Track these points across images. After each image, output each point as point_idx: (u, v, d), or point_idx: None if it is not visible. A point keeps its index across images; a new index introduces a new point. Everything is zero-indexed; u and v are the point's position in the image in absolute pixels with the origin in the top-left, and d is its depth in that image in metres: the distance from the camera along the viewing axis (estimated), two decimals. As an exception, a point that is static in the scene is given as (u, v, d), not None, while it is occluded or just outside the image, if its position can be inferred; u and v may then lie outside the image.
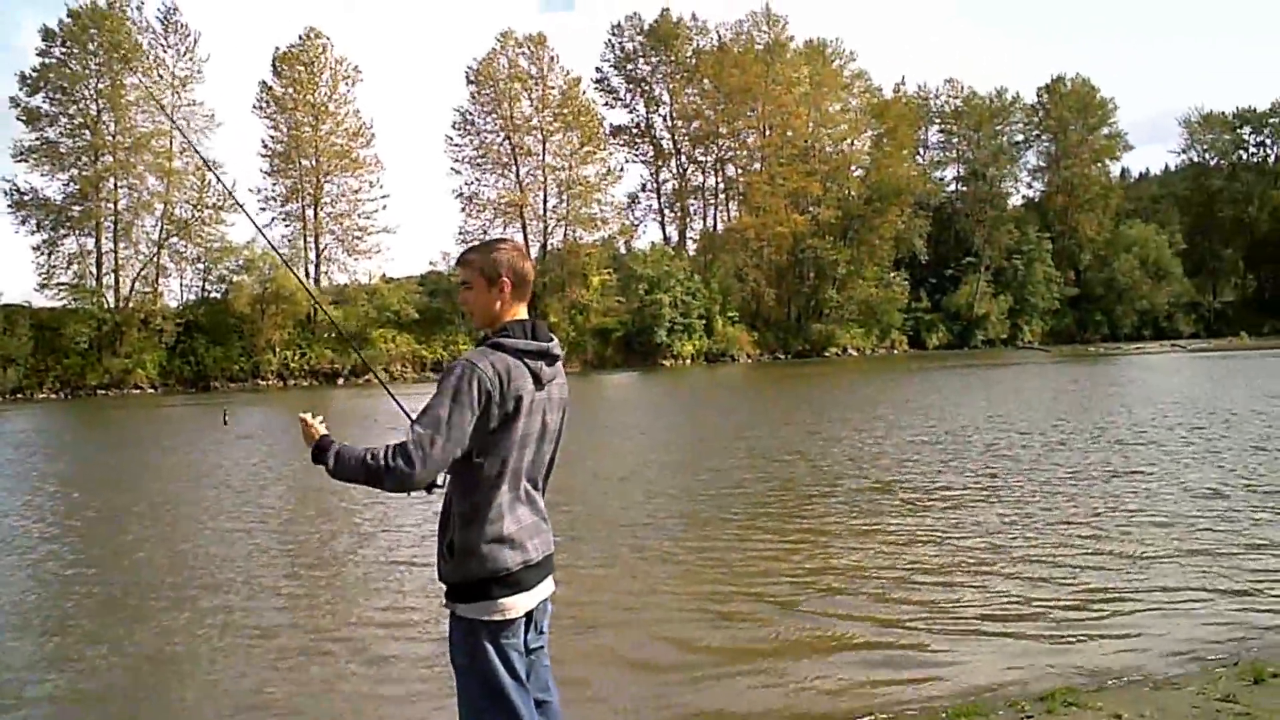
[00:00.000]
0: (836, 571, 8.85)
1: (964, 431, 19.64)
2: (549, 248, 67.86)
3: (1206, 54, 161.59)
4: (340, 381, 55.45)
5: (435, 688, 6.18)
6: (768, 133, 75.99)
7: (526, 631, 3.42)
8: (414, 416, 3.22)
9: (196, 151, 54.52)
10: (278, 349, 54.93)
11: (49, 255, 54.64)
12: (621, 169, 73.71)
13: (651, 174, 79.02)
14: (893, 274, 76.64)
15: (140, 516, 13.49)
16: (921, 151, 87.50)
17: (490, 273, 3.43)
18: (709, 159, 78.16)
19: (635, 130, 78.70)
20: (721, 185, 79.01)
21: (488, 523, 3.30)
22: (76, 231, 55.43)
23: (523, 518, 3.38)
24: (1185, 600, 7.61)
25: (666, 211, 79.15)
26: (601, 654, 6.85)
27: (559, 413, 3.51)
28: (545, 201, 68.22)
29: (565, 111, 67.31)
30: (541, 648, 3.57)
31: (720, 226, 77.61)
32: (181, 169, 56.70)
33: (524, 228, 67.61)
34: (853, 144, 79.59)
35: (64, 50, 54.28)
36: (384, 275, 62.50)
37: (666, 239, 76.05)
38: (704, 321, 66.79)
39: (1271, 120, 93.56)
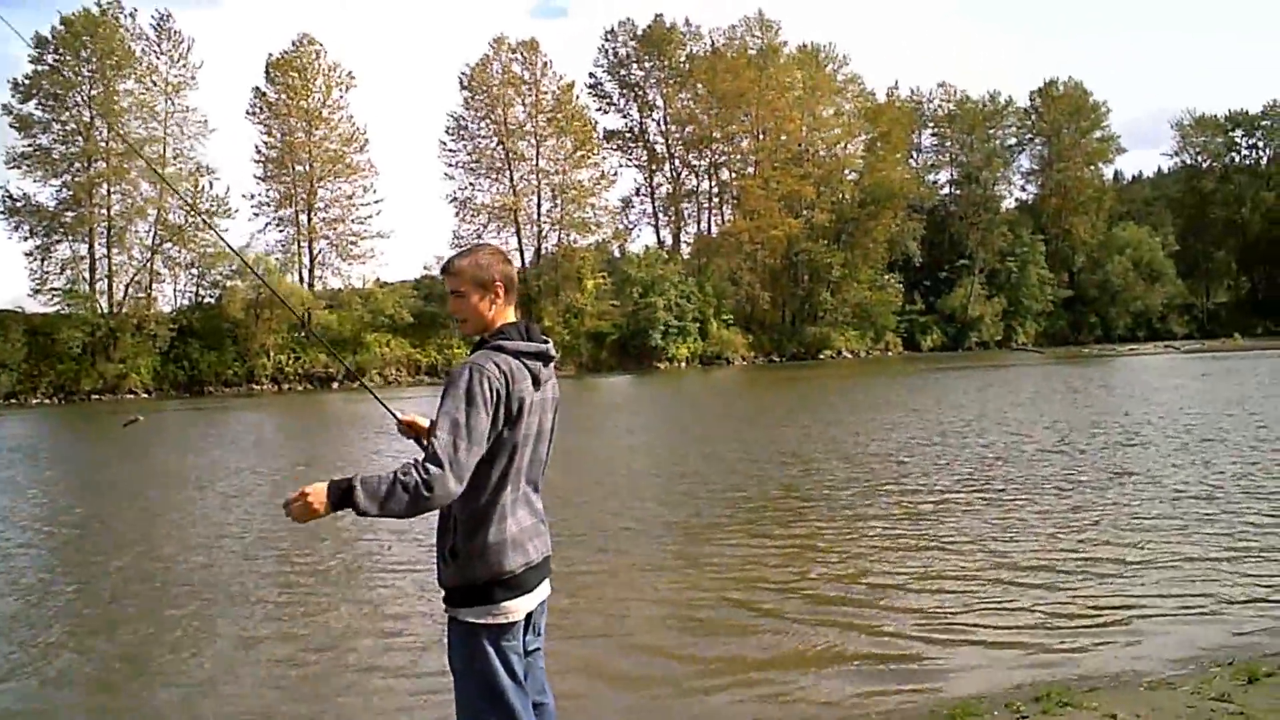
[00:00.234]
0: (829, 577, 8.81)
1: (957, 434, 19.66)
2: (543, 252, 67.95)
3: (1200, 55, 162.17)
4: (335, 386, 55.40)
5: (431, 691, 6.17)
6: (761, 137, 76.15)
7: (525, 633, 3.44)
8: (434, 428, 3.19)
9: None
10: (272, 353, 54.89)
11: (42, 261, 54.60)
12: (615, 173, 73.88)
13: (645, 178, 79.23)
14: (887, 277, 76.79)
15: (129, 522, 13.46)
16: (915, 155, 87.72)
17: (483, 279, 3.45)
18: (703, 163, 78.31)
19: (629, 135, 78.83)
20: (715, 189, 79.18)
21: (491, 525, 3.31)
22: (70, 237, 55.32)
23: (523, 519, 3.40)
24: (1180, 601, 7.61)
25: (661, 215, 79.30)
26: (593, 660, 6.80)
27: (553, 413, 3.54)
28: (539, 206, 68.33)
29: (559, 116, 67.36)
30: (538, 649, 3.58)
31: (714, 230, 77.74)
32: (174, 175, 56.60)
33: (518, 232, 67.68)
34: (846, 148, 79.75)
35: (56, 57, 54.26)
36: (378, 280, 62.59)
37: (661, 243, 76.15)
38: (698, 324, 66.85)
39: (1263, 123, 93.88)
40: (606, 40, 78.60)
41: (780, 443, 19.39)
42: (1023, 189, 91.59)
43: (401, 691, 6.43)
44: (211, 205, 57.30)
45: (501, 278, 3.48)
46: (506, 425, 3.29)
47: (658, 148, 78.79)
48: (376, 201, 62.99)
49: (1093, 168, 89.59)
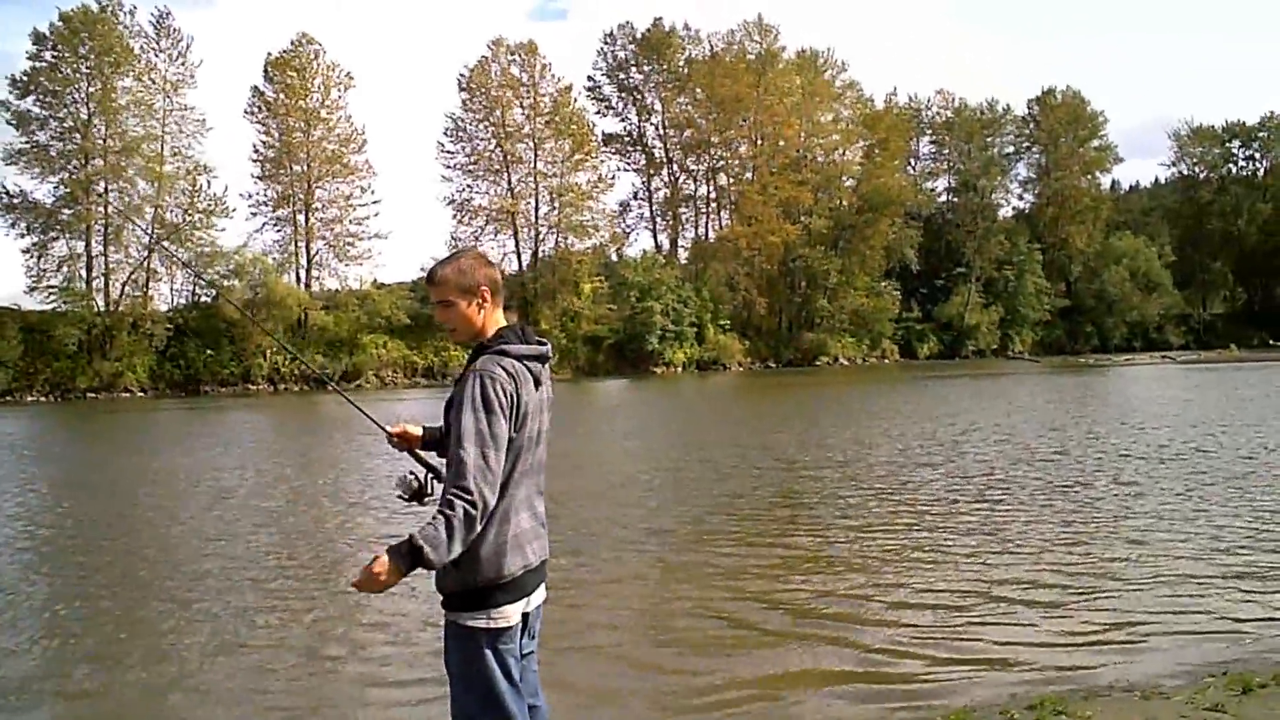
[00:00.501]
0: (821, 588, 8.75)
1: (952, 443, 19.67)
2: (540, 255, 67.89)
3: (1197, 65, 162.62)
4: (331, 382, 55.19)
5: (424, 695, 6.17)
6: (759, 142, 76.22)
7: (521, 636, 3.43)
8: (458, 443, 3.18)
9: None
10: (268, 353, 54.77)
11: (39, 258, 54.38)
12: (613, 177, 73.86)
13: (643, 182, 79.26)
14: (884, 284, 76.85)
15: (129, 521, 13.44)
16: (913, 162, 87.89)
17: (467, 285, 3.44)
18: (701, 168, 78.32)
19: (627, 139, 78.91)
20: (713, 194, 79.20)
21: (492, 529, 3.30)
22: (66, 235, 55.16)
23: (524, 522, 3.40)
24: (1174, 611, 7.62)
25: (658, 220, 79.38)
26: (580, 671, 6.73)
27: (549, 414, 3.54)
28: (537, 209, 68.30)
29: (557, 119, 67.37)
30: (533, 653, 3.59)
31: (712, 235, 77.77)
32: (172, 173, 56.59)
33: (515, 235, 67.68)
34: (844, 154, 79.83)
35: (54, 54, 54.06)
36: (375, 281, 62.46)
37: (658, 247, 76.20)
38: (695, 329, 66.85)
39: (1260, 134, 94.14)
40: (605, 43, 78.78)
41: (775, 449, 19.39)
42: (1020, 197, 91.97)
43: (395, 695, 6.41)
44: (209, 204, 57.28)
45: (487, 282, 3.47)
46: (514, 429, 3.29)
47: (656, 152, 78.89)
48: (374, 202, 62.92)
49: (1090, 177, 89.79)
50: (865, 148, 79.94)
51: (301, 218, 61.38)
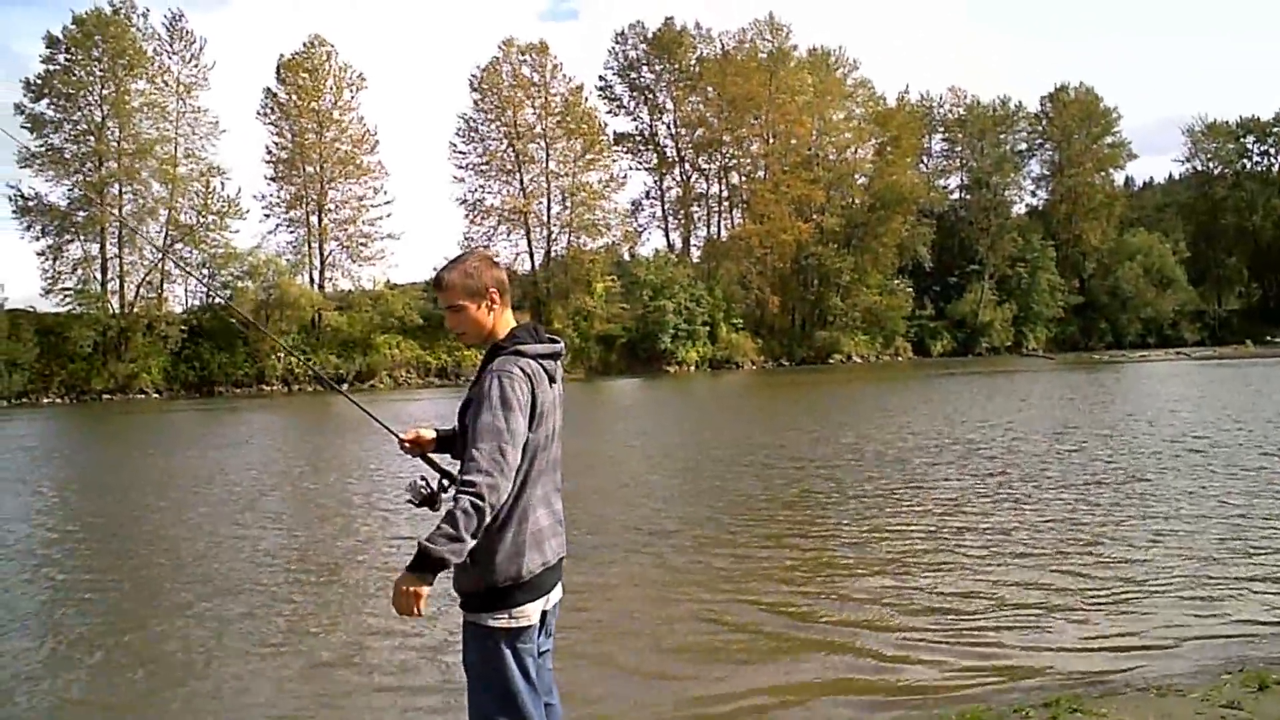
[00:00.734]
0: (834, 588, 8.74)
1: (966, 440, 19.62)
2: (553, 254, 67.91)
3: (1211, 61, 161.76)
4: (344, 387, 55.41)
5: (439, 696, 6.18)
6: (771, 140, 76.06)
7: (538, 635, 3.44)
8: (473, 440, 3.19)
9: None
10: (282, 355, 54.95)
11: (54, 260, 54.62)
12: (625, 176, 73.80)
13: (655, 181, 79.17)
14: (897, 281, 76.66)
15: (142, 522, 13.50)
16: (925, 159, 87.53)
17: (475, 288, 3.45)
18: (713, 166, 78.26)
19: (639, 138, 78.82)
20: (725, 193, 79.07)
21: (511, 528, 3.31)
22: (81, 237, 55.42)
23: (542, 519, 3.41)
24: (1189, 607, 7.60)
25: (670, 219, 79.27)
26: (583, 677, 6.62)
27: (562, 410, 3.55)
28: (549, 208, 68.31)
29: (568, 119, 67.39)
30: (549, 650, 3.59)
31: (724, 234, 77.65)
32: (185, 175, 56.79)
33: (528, 234, 67.74)
34: (856, 152, 79.64)
35: (68, 57, 54.29)
36: (388, 281, 62.56)
37: (670, 246, 76.15)
38: (708, 328, 66.79)
39: (1275, 129, 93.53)
40: (617, 43, 78.74)
41: (787, 448, 19.38)
42: (1033, 194, 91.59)
43: (405, 697, 6.42)
44: (222, 206, 57.47)
45: (494, 283, 3.48)
46: (531, 428, 3.30)
47: (667, 151, 78.85)
48: (387, 203, 63.08)
49: (1103, 174, 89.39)
50: (877, 145, 79.71)
51: (315, 219, 61.55)
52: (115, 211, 54.29)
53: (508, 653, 3.31)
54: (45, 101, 54.32)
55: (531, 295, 64.54)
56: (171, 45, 57.81)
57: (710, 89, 75.11)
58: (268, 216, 61.55)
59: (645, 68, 78.37)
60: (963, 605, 7.92)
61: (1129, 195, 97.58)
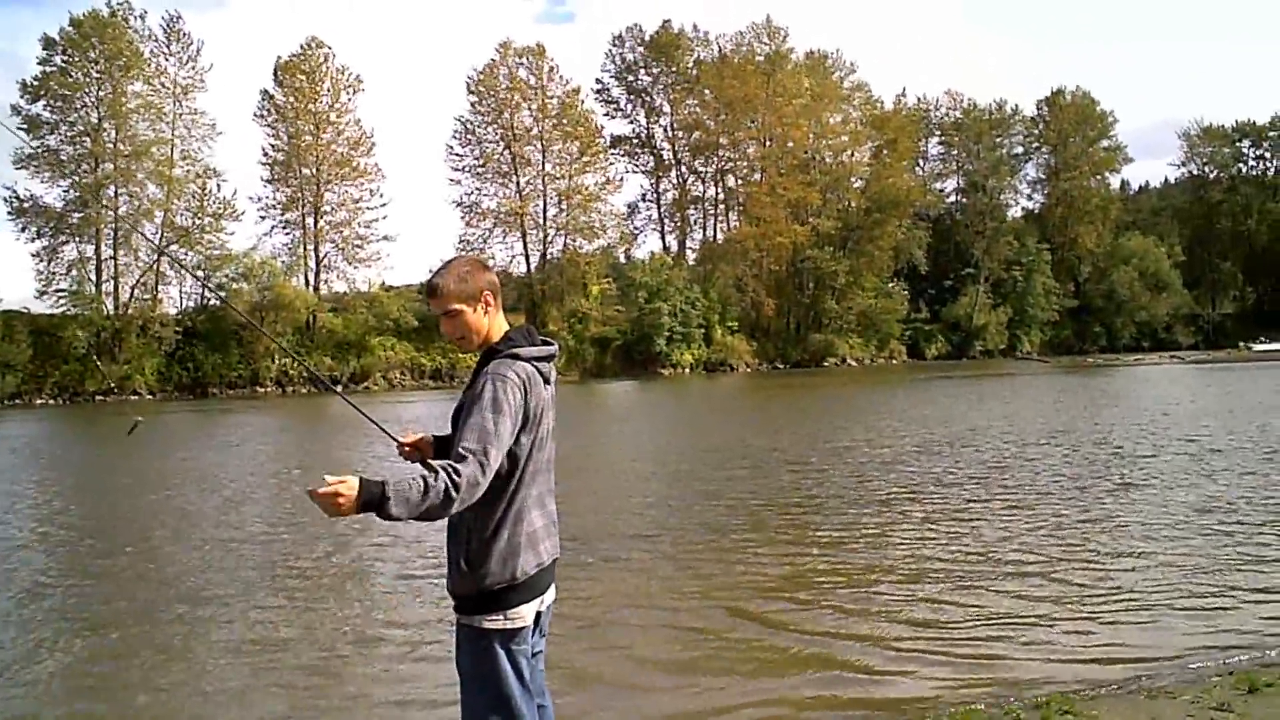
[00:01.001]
0: (826, 591, 8.73)
1: (959, 443, 19.64)
2: (548, 256, 67.90)
3: (1207, 65, 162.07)
4: (339, 389, 55.36)
5: (435, 695, 6.17)
6: (768, 143, 76.19)
7: (532, 636, 3.44)
8: (461, 436, 3.15)
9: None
10: (276, 356, 54.89)
11: (49, 262, 54.63)
12: (621, 179, 73.99)
13: (652, 184, 79.35)
14: (892, 284, 76.78)
15: (136, 524, 13.46)
16: (921, 163, 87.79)
17: (469, 292, 3.42)
18: (709, 169, 78.37)
19: (636, 140, 78.96)
20: (721, 195, 79.25)
21: (506, 529, 3.30)
22: (76, 238, 55.39)
23: (536, 520, 3.39)
24: (1181, 610, 7.61)
25: (666, 221, 79.43)
26: (574, 676, 6.58)
27: (554, 412, 3.54)
28: (545, 211, 68.31)
29: (565, 121, 67.41)
30: (541, 652, 3.58)
31: (720, 236, 77.76)
32: (181, 177, 56.75)
33: (524, 237, 67.74)
34: (853, 155, 79.89)
35: (65, 58, 54.28)
36: (383, 283, 62.58)
37: (666, 249, 76.25)
38: (703, 331, 66.86)
39: (1271, 134, 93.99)
40: (614, 46, 78.93)
41: (784, 449, 19.39)
42: (1029, 198, 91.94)
43: (402, 696, 6.41)
44: (218, 208, 57.44)
45: (487, 286, 3.46)
46: (523, 431, 3.29)
47: (664, 154, 79.02)
48: (383, 205, 63.14)
49: (1099, 177, 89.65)
50: (874, 148, 79.91)
51: (310, 220, 61.55)
52: (111, 211, 54.25)
53: (502, 654, 3.30)
54: (42, 103, 54.33)
55: (527, 297, 64.56)
56: (168, 47, 57.90)
57: (707, 92, 75.24)
58: (263, 218, 61.67)
59: (642, 70, 78.55)
60: (953, 611, 7.90)
61: (1124, 199, 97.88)
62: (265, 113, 61.14)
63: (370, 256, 62.35)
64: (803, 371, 66.30)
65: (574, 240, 68.12)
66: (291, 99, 60.52)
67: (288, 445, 25.97)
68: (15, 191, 54.49)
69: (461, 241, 66.68)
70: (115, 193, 55.57)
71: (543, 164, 67.85)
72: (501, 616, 3.29)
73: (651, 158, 78.85)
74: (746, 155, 77.37)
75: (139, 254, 56.46)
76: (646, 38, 77.65)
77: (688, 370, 65.00)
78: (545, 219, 68.17)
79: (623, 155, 77.51)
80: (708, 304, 67.31)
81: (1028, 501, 12.64)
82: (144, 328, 54.00)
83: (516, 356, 3.35)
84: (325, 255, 62.04)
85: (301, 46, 61.71)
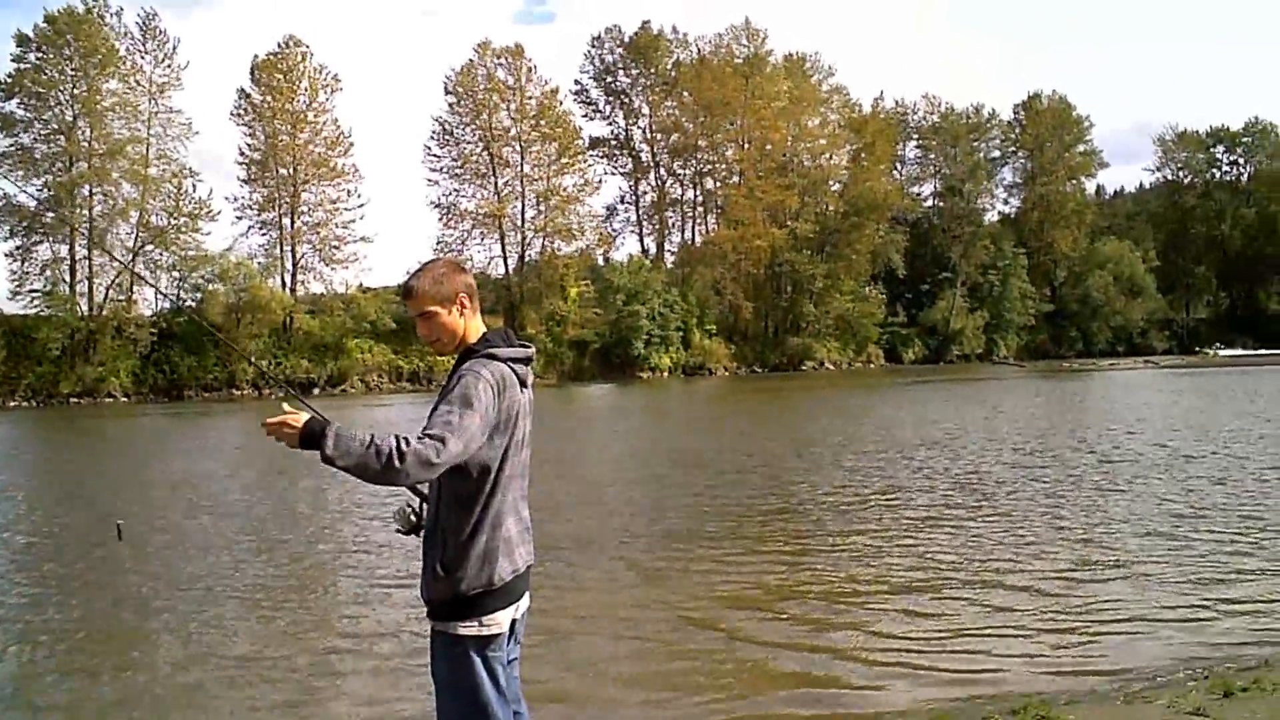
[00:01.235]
0: (800, 595, 8.74)
1: (935, 447, 19.72)
2: (526, 258, 67.77)
3: (1181, 70, 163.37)
4: (316, 391, 55.08)
5: (415, 702, 6.13)
6: (746, 146, 76.27)
7: (507, 643, 3.41)
8: (427, 425, 3.13)
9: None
10: (253, 359, 54.52)
11: (22, 262, 54.04)
12: (600, 180, 73.86)
13: (630, 186, 79.30)
14: (869, 288, 76.97)
15: (105, 528, 13.30)
16: (899, 167, 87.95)
17: (444, 294, 3.41)
18: (687, 172, 78.41)
19: (614, 142, 78.89)
20: (700, 198, 79.30)
21: (482, 535, 3.28)
22: (50, 238, 54.86)
23: (511, 527, 3.37)
24: (1156, 615, 7.65)
25: (645, 224, 79.39)
26: (543, 682, 6.40)
27: (531, 417, 3.52)
28: (523, 212, 68.18)
29: (543, 122, 67.30)
30: (516, 659, 3.56)
31: (698, 239, 77.84)
32: (157, 176, 56.32)
33: (502, 238, 67.55)
34: (831, 158, 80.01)
35: (39, 56, 53.76)
36: (361, 285, 62.20)
37: (645, 251, 76.23)
38: (681, 334, 66.85)
39: (1244, 139, 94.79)
40: (593, 47, 78.76)
41: (757, 456, 19.40)
42: (1005, 202, 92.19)
43: (371, 706, 6.36)
44: (194, 208, 57.03)
45: (463, 288, 3.44)
46: (498, 433, 3.27)
47: (643, 155, 78.98)
48: (360, 206, 62.74)
49: (1075, 182, 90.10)
50: (852, 152, 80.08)
51: (287, 221, 61.12)
52: (98, 202, 53.86)
53: (477, 661, 3.28)
54: (15, 101, 53.75)
55: (505, 300, 64.39)
56: (144, 45, 57.35)
57: (686, 94, 75.25)
58: (240, 219, 61.12)
59: (621, 72, 78.49)
60: (930, 610, 7.94)
61: (1100, 204, 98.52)
62: (242, 112, 60.69)
63: (347, 258, 62.00)
64: (781, 375, 66.41)
65: (552, 242, 68.01)
66: (268, 98, 60.12)
67: (262, 449, 25.78)
68: (-12, 191, 53.91)
69: (439, 243, 66.47)
70: (90, 192, 55.09)
71: (521, 165, 67.74)
72: (476, 623, 3.27)
73: (630, 160, 78.86)
74: (725, 158, 77.46)
75: (114, 255, 55.99)
76: (625, 39, 77.63)
77: (666, 374, 64.97)
78: (523, 220, 68.07)
79: (601, 157, 77.51)
80: (686, 307, 67.32)
81: (1003, 509, 12.67)
82: (119, 329, 53.51)
83: (493, 357, 3.33)
84: (302, 256, 61.70)
85: (279, 45, 61.31)
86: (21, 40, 53.40)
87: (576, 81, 78.04)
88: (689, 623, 7.91)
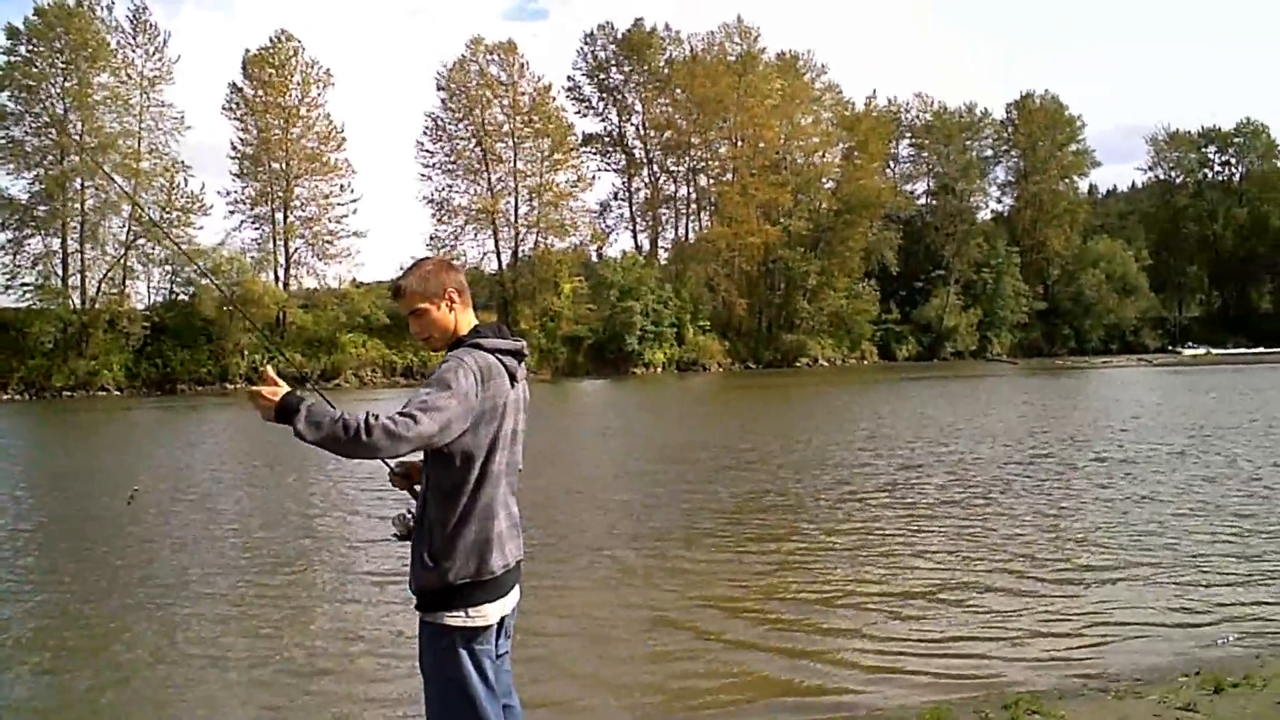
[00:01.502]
0: (792, 591, 8.75)
1: (928, 444, 19.75)
2: (520, 254, 67.71)
3: (1174, 70, 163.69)
4: (309, 386, 54.67)
5: (403, 695, 6.13)
6: (739, 143, 76.29)
7: (497, 638, 3.42)
8: (405, 406, 3.13)
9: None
10: (246, 352, 54.42)
11: (14, 255, 53.98)
12: (593, 177, 73.78)
13: (624, 183, 79.30)
14: (863, 285, 77.00)
15: (97, 523, 13.29)
16: (892, 165, 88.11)
17: (433, 291, 3.44)
18: (681, 169, 78.39)
19: (607, 139, 78.90)
20: (693, 195, 79.29)
21: (471, 525, 3.29)
22: (42, 232, 54.72)
23: (502, 522, 3.38)
24: (1147, 611, 7.67)
25: (638, 220, 79.39)
26: (521, 686, 6.25)
27: (524, 414, 3.52)
28: (516, 208, 68.12)
29: (536, 118, 67.24)
30: (507, 653, 3.56)
31: (692, 236, 77.84)
32: (149, 170, 56.15)
33: (495, 234, 67.50)
34: (824, 156, 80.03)
35: (30, 49, 53.59)
36: (354, 280, 62.17)
37: (638, 247, 76.20)
38: (675, 330, 66.86)
39: (1236, 140, 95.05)
40: (586, 44, 78.76)
41: (749, 451, 19.40)
42: (998, 201, 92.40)
43: (367, 698, 6.36)
44: (186, 202, 56.89)
45: (452, 283, 3.48)
46: (484, 423, 3.27)
47: (636, 152, 78.93)
48: (353, 201, 62.65)
49: (1067, 181, 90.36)
50: (845, 150, 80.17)
51: (280, 215, 61.07)
52: (89, 195, 53.64)
53: (464, 654, 3.28)
54: (5, 94, 53.54)
55: (498, 295, 64.36)
56: (135, 38, 57.22)
57: (679, 91, 75.26)
58: (232, 213, 61.05)
59: (614, 69, 78.43)
60: (921, 606, 7.95)
61: (1092, 203, 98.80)
62: (234, 106, 60.60)
63: (340, 252, 62.00)
64: (774, 372, 66.46)
65: (545, 238, 67.98)
66: (260, 93, 60.03)
67: (252, 443, 25.74)
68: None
69: (433, 239, 66.50)
70: (81, 185, 54.93)
71: (514, 161, 67.66)
72: (464, 614, 3.28)
73: (623, 156, 78.86)
74: (718, 155, 77.48)
75: (106, 248, 55.89)
76: (619, 36, 77.57)
77: (660, 370, 64.99)
78: (516, 216, 67.99)
79: (594, 153, 77.53)
80: (680, 303, 67.33)
81: (994, 507, 12.68)
82: (111, 323, 53.39)
83: (479, 346, 3.35)
84: (295, 251, 61.63)
85: (271, 40, 61.26)
86: (12, 33, 53.27)
87: (569, 78, 78.17)
88: (678, 624, 7.82)
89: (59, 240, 54.77)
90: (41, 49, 53.62)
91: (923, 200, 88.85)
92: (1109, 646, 6.86)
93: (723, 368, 68.35)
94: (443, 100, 67.23)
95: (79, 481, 17.55)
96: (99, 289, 55.32)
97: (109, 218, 55.76)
